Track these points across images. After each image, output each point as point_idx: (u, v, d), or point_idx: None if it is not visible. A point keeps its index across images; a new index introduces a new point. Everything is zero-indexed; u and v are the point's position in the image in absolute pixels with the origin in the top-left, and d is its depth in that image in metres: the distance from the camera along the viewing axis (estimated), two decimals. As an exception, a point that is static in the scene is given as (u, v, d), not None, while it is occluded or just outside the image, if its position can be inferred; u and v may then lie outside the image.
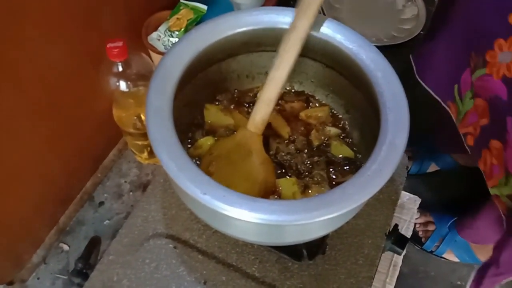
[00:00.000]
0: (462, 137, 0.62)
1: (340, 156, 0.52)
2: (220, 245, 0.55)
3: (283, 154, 0.52)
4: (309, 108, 0.57)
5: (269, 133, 0.54)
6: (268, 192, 0.48)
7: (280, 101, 0.57)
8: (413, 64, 0.74)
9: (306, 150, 0.53)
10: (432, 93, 0.68)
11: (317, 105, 0.57)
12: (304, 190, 0.49)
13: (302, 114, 0.55)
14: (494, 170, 0.55)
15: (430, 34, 0.73)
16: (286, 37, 0.45)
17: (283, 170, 0.50)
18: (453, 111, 0.64)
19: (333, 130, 0.54)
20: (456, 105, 0.63)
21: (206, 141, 0.52)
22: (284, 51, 0.45)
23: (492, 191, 0.57)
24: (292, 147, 0.53)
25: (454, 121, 0.65)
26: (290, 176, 0.50)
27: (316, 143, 0.53)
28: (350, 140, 0.54)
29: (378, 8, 1.16)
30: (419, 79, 0.71)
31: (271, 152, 0.52)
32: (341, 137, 0.54)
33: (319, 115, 0.56)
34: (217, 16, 0.48)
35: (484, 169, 0.58)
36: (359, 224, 0.58)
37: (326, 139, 0.54)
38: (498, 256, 0.55)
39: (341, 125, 0.56)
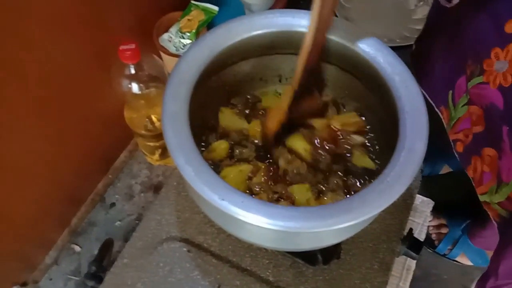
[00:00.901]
0: (452, 143, 0.61)
1: (361, 166, 0.51)
2: (234, 249, 0.55)
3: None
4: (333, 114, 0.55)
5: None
6: (268, 132, 0.50)
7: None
8: (412, 67, 0.73)
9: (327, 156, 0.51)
10: (427, 97, 0.67)
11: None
12: (319, 196, 0.49)
13: (335, 121, 0.53)
14: (485, 178, 0.55)
15: (425, 35, 0.72)
16: None
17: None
18: (445, 117, 0.64)
19: (358, 139, 0.52)
20: (448, 111, 0.63)
21: (219, 145, 0.52)
22: None
23: (482, 198, 0.56)
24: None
25: (445, 126, 0.64)
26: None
27: (338, 151, 0.52)
28: (373, 150, 0.53)
29: (390, 8, 1.14)
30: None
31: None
32: (365, 147, 0.52)
33: (351, 121, 0.53)
34: (231, 19, 0.48)
35: (473, 176, 0.58)
36: (374, 228, 0.57)
37: (349, 147, 0.52)
38: (497, 267, 0.54)
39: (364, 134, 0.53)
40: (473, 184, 0.58)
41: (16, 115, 0.60)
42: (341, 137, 0.52)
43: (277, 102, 0.50)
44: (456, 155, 0.61)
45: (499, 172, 0.52)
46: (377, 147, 0.52)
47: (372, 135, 0.53)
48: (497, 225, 0.55)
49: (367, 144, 0.53)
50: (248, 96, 0.56)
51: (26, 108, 0.61)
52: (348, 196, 0.49)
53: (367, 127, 0.54)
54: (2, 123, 0.57)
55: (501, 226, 0.55)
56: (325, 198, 0.47)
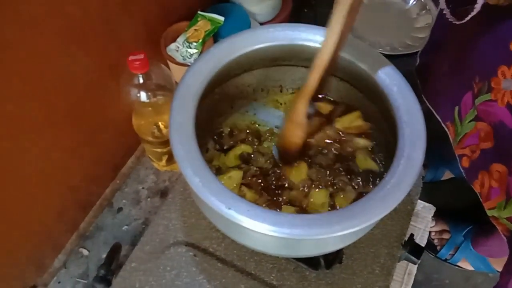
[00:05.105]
0: (457, 158, 0.62)
1: (363, 168, 0.52)
2: (238, 254, 0.57)
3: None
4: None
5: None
6: (291, 148, 0.50)
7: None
8: (418, 81, 0.73)
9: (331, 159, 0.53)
10: (434, 112, 0.68)
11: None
12: (332, 200, 0.50)
13: (338, 124, 0.54)
14: (493, 193, 0.55)
15: (429, 49, 0.73)
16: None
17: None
18: (451, 132, 0.65)
19: (361, 142, 0.54)
20: (454, 127, 0.63)
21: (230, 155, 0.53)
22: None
23: (490, 213, 0.56)
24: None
25: (451, 142, 0.65)
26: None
27: (343, 153, 0.53)
28: (377, 152, 0.53)
29: (392, 16, 1.15)
30: (423, 98, 0.71)
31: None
32: (369, 149, 0.53)
33: (354, 125, 0.54)
34: (235, 33, 0.50)
35: (480, 191, 0.58)
36: (376, 234, 0.58)
37: (352, 150, 0.53)
38: (506, 283, 0.54)
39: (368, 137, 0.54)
40: (480, 199, 0.58)
41: (34, 125, 0.62)
42: (345, 139, 0.53)
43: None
44: (462, 170, 0.61)
45: (508, 188, 0.52)
46: (380, 153, 0.53)
47: (374, 142, 0.54)
48: (506, 239, 0.55)
49: (370, 148, 0.53)
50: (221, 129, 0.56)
51: (44, 118, 0.64)
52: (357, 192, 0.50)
53: (370, 130, 0.54)
54: (21, 134, 0.60)
55: (510, 241, 0.55)
56: (337, 201, 0.49)
